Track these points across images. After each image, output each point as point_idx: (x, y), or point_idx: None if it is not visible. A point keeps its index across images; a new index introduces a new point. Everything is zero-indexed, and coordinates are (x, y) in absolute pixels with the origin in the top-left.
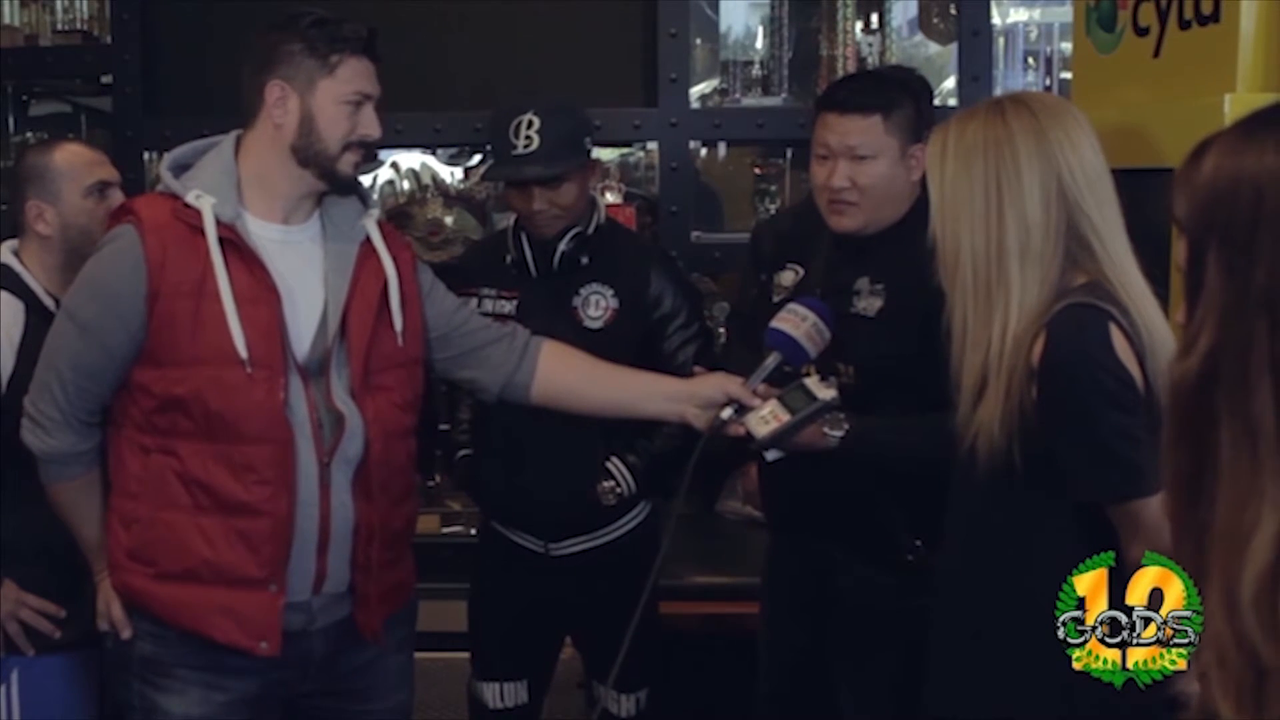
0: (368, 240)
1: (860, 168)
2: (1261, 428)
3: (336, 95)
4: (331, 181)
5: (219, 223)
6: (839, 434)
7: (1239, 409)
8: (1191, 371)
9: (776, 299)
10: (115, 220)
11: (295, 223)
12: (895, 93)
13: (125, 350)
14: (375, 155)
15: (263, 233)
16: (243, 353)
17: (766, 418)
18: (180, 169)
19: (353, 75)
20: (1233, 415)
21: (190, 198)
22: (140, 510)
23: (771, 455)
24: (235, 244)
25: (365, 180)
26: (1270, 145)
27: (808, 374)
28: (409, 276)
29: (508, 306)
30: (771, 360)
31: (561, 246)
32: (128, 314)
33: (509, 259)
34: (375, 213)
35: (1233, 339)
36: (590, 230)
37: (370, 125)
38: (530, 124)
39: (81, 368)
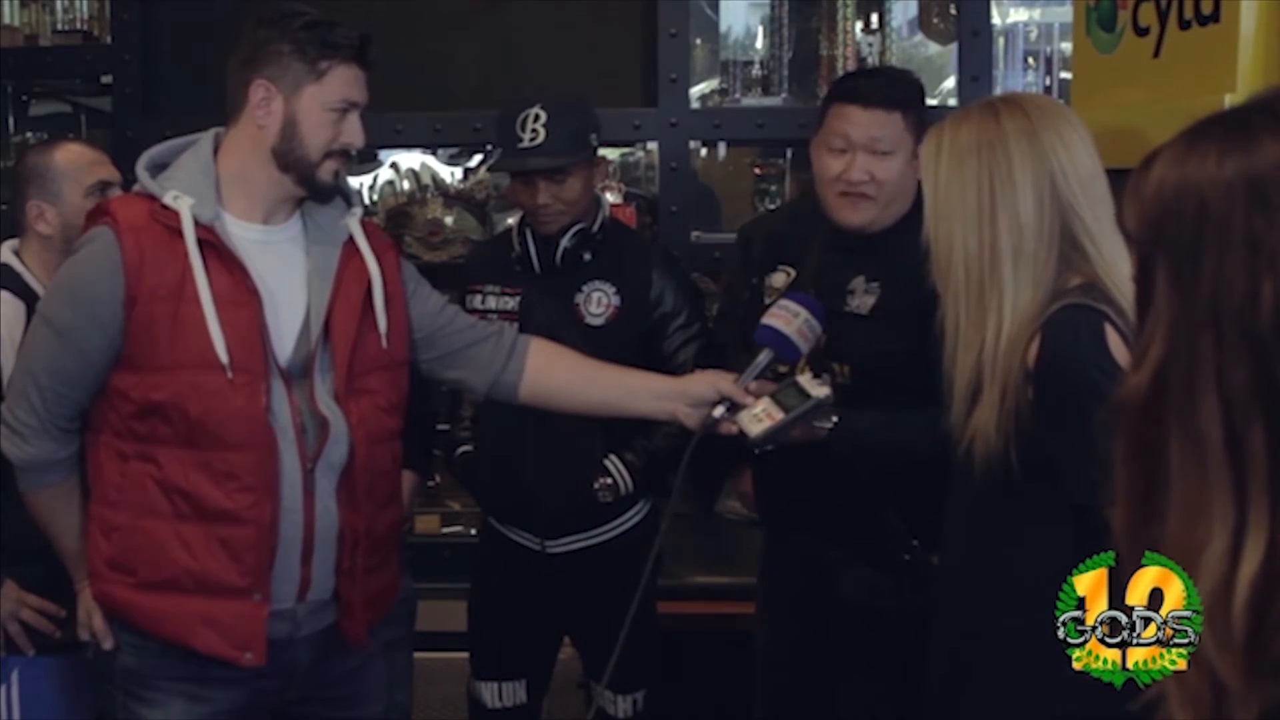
0: (351, 240)
1: (880, 162)
2: (1209, 443)
3: (323, 102)
4: (310, 188)
5: (197, 224)
6: (828, 425)
7: (1187, 424)
8: (1141, 386)
9: (768, 301)
10: (91, 222)
11: (276, 223)
12: (913, 91)
13: (103, 355)
14: (374, 155)
15: (242, 233)
16: (223, 357)
17: (759, 416)
18: (157, 168)
19: (341, 83)
20: (1181, 430)
21: (168, 199)
22: (120, 518)
23: (761, 449)
24: (214, 245)
25: (365, 180)
26: (1213, 154)
27: (800, 371)
28: (393, 277)
29: (511, 303)
30: (763, 357)
31: (564, 243)
32: (105, 318)
33: (513, 256)
34: (358, 212)
35: (1180, 353)
36: (594, 228)
37: (354, 134)
38: (537, 118)
39: (59, 373)
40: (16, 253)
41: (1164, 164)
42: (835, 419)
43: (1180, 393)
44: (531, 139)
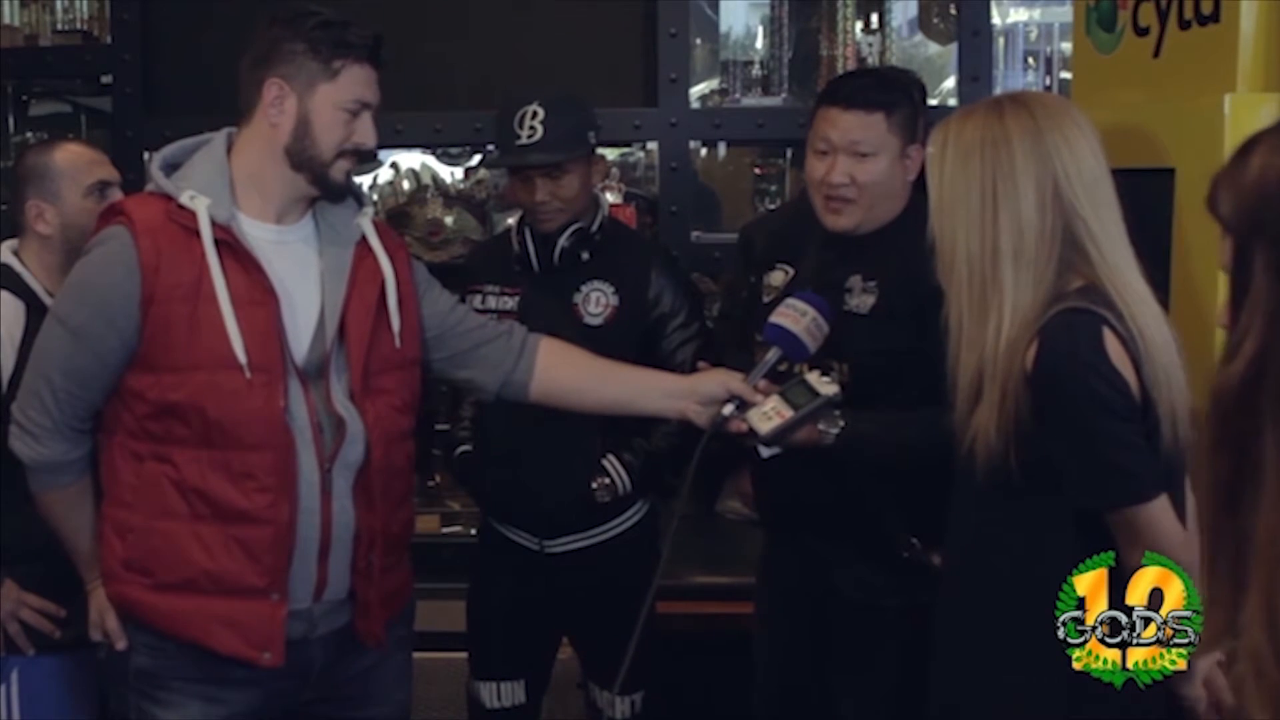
0: (364, 240)
1: (861, 165)
2: None
3: (336, 101)
4: (323, 187)
5: (214, 224)
6: (835, 430)
7: None
8: (1235, 376)
9: (766, 299)
10: (105, 221)
11: (289, 223)
12: (897, 92)
13: (118, 356)
14: (374, 155)
15: (257, 233)
16: (241, 357)
17: (769, 414)
18: (170, 168)
19: (354, 82)
20: (1277, 421)
21: (184, 198)
22: (135, 519)
23: (767, 452)
24: (231, 245)
25: (365, 180)
26: None
27: (805, 370)
28: (405, 277)
29: (510, 303)
30: (772, 355)
31: (562, 242)
32: (120, 319)
33: (513, 255)
34: (370, 211)
35: (1279, 343)
36: (592, 228)
37: (366, 134)
38: (535, 114)
39: (73, 374)
40: (16, 253)
41: (1265, 152)
42: (842, 424)
43: (1278, 383)
44: (529, 136)
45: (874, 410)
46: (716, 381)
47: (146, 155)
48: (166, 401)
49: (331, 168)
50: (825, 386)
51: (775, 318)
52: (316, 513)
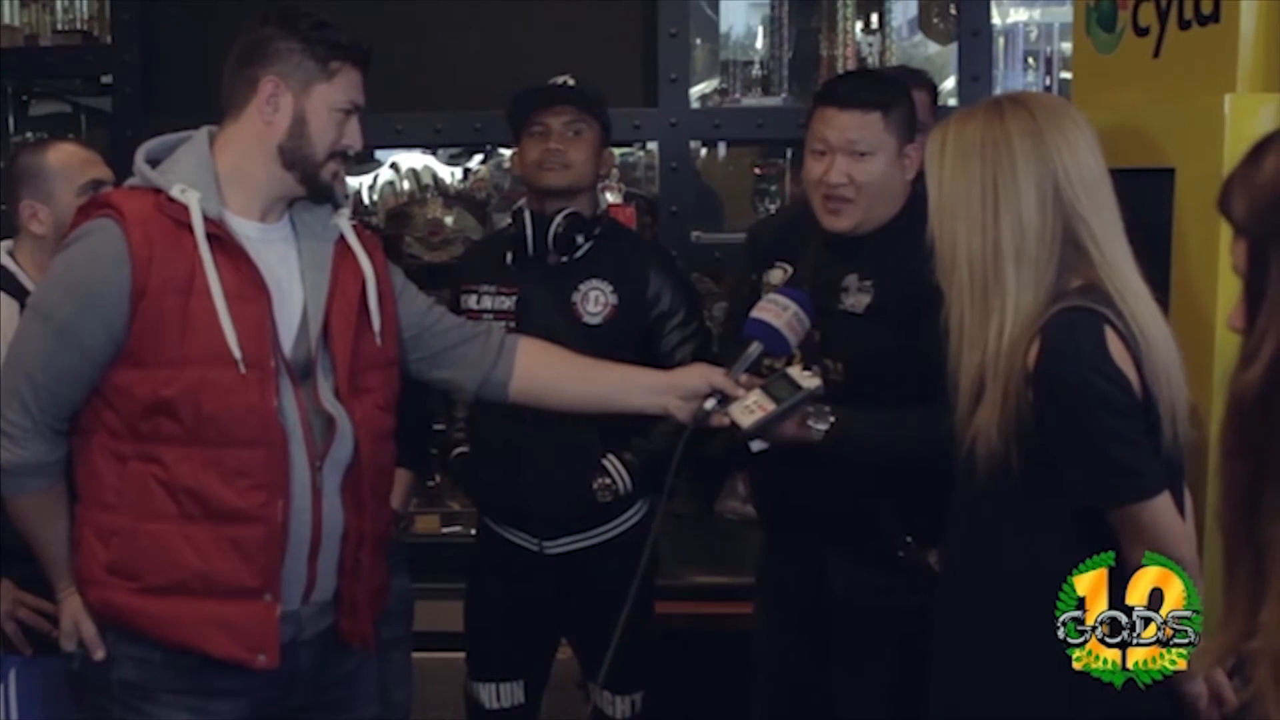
0: (342, 240)
1: (858, 164)
2: None
3: (331, 102)
4: (311, 187)
5: (205, 218)
6: (824, 427)
7: None
8: (1254, 381)
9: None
10: (84, 215)
11: (270, 221)
12: (895, 91)
13: (104, 352)
14: (371, 155)
15: (242, 230)
16: (236, 352)
17: (751, 407)
18: (151, 164)
19: (348, 85)
20: None
21: (175, 191)
22: (119, 522)
23: (756, 446)
24: (222, 240)
25: (365, 180)
26: None
27: (791, 364)
28: (384, 276)
29: (507, 302)
30: (754, 350)
31: (555, 225)
32: (110, 313)
33: (508, 245)
34: (346, 212)
35: None
36: (588, 216)
37: (354, 137)
38: (565, 82)
39: (56, 371)
40: (11, 253)
41: (1279, 152)
42: (832, 420)
43: None
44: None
45: (868, 409)
46: (698, 376)
47: None
48: (157, 397)
49: (323, 168)
50: (807, 380)
51: (756, 312)
52: (308, 511)
